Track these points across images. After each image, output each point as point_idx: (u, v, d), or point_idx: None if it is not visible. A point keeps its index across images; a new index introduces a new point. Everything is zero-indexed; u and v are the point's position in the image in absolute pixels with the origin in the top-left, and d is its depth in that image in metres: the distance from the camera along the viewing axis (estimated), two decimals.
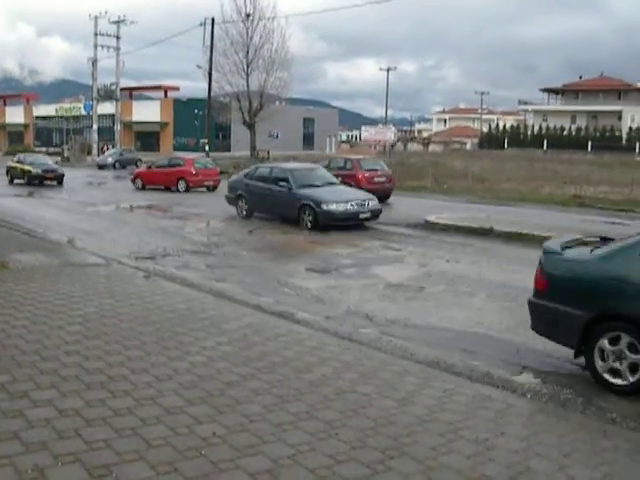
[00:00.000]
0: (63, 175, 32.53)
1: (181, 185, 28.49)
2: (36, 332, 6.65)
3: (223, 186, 24.27)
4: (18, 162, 33.77)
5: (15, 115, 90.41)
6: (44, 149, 74.04)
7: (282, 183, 17.83)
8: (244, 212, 19.15)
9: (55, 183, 32.04)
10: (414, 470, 4.12)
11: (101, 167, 48.89)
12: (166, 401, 4.98)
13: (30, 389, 5.09)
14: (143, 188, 29.52)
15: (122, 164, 49.23)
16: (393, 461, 4.22)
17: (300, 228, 16.77)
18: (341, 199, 16.97)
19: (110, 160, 50.24)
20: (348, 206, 16.83)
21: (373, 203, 17.52)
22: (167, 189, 28.71)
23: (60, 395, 5.00)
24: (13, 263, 10.51)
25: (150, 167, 31.40)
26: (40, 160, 34.76)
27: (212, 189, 29.19)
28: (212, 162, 33.43)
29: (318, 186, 17.84)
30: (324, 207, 16.56)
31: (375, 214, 17.48)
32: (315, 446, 4.36)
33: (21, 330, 6.70)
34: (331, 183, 18.73)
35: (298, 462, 4.13)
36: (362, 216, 17.08)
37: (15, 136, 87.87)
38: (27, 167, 32.26)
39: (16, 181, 33.07)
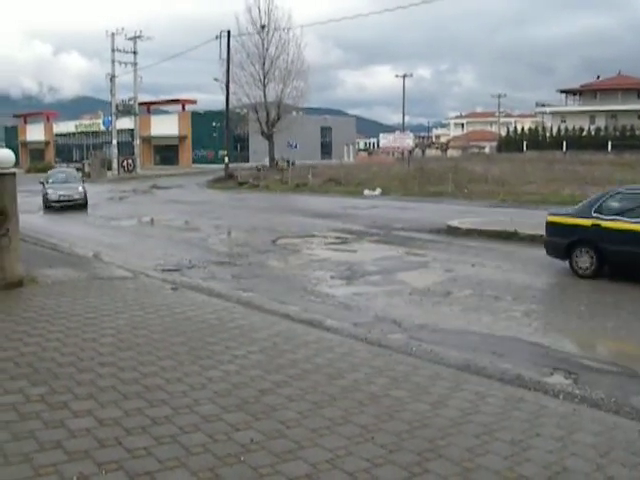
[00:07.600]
0: None
1: None
2: (70, 345, 6.77)
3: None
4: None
5: (36, 133, 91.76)
6: (65, 165, 74.92)
7: None
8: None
9: None
10: (451, 472, 4.14)
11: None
12: (202, 409, 5.04)
13: (69, 400, 5.18)
14: None
15: None
16: (430, 463, 4.25)
17: None
18: None
19: None
20: None
21: None
22: None
23: (98, 405, 5.08)
24: (42, 278, 10.67)
25: None
26: None
27: None
28: None
29: None
30: None
31: None
32: (352, 450, 4.40)
33: (56, 343, 6.81)
34: None
35: (337, 466, 4.17)
36: None
37: (36, 153, 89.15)
38: None
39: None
